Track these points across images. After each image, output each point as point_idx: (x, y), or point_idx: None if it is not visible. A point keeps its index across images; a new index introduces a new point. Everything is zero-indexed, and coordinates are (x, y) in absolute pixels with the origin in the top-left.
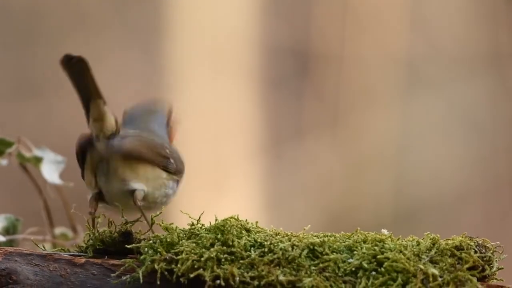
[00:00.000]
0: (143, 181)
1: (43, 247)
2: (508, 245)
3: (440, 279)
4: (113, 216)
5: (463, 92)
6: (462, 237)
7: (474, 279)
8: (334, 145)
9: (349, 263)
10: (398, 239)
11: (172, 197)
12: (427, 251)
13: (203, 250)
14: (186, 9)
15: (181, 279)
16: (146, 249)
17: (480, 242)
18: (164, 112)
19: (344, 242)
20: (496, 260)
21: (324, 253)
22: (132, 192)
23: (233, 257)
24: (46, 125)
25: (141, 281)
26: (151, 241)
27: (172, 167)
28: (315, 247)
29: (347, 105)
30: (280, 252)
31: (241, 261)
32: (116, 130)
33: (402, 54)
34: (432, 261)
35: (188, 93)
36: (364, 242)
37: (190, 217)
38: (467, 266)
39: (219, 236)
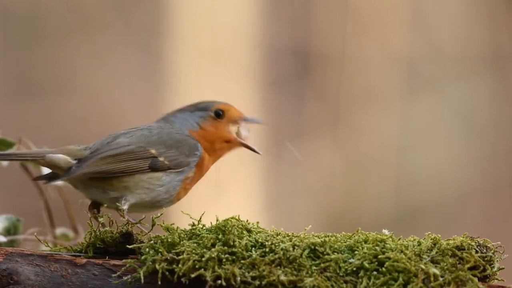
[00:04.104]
0: (121, 190)
1: (47, 244)
2: (509, 245)
3: (441, 278)
4: (115, 216)
5: (464, 92)
6: (463, 237)
7: (475, 279)
8: (335, 145)
9: (350, 263)
10: (399, 239)
11: (177, 188)
12: (428, 251)
13: (204, 250)
14: (187, 9)
15: (182, 279)
16: (147, 249)
17: (481, 242)
18: (208, 109)
19: (345, 242)
20: (497, 260)
21: (325, 253)
22: (116, 199)
23: (234, 257)
24: (47, 125)
25: (142, 281)
26: (152, 242)
27: (160, 164)
28: (316, 247)
29: (348, 105)
30: (281, 252)
31: (242, 261)
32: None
33: (403, 54)
34: (433, 261)
35: (189, 93)
36: (365, 242)
37: (191, 217)
38: (468, 266)
39: (220, 236)
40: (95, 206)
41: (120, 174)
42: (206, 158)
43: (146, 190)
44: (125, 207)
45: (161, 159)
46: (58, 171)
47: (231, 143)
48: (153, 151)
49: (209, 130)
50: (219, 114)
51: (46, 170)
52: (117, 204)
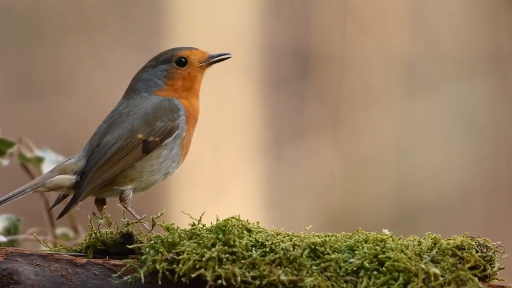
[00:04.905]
0: (129, 183)
1: (46, 244)
2: (509, 245)
3: (441, 278)
4: (115, 217)
5: (464, 92)
6: (463, 237)
7: (476, 279)
8: (335, 145)
9: (351, 262)
10: (399, 239)
11: (179, 153)
12: (429, 251)
13: (205, 250)
14: (187, 9)
15: (182, 279)
16: (147, 249)
17: (481, 241)
18: (169, 60)
19: (346, 242)
20: (497, 260)
21: (325, 252)
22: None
23: (234, 257)
24: (47, 125)
25: (143, 281)
26: (152, 241)
27: (150, 146)
28: (317, 247)
29: (348, 105)
30: (282, 252)
31: (242, 261)
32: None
33: (402, 54)
34: (434, 261)
35: None
36: (366, 242)
37: (191, 217)
38: (468, 265)
39: (220, 236)
40: (101, 199)
41: (122, 170)
42: (190, 107)
43: (152, 172)
44: (128, 199)
45: (151, 138)
46: (63, 190)
47: (203, 70)
48: (140, 135)
49: (177, 84)
50: (181, 62)
51: (47, 171)
52: (123, 196)
